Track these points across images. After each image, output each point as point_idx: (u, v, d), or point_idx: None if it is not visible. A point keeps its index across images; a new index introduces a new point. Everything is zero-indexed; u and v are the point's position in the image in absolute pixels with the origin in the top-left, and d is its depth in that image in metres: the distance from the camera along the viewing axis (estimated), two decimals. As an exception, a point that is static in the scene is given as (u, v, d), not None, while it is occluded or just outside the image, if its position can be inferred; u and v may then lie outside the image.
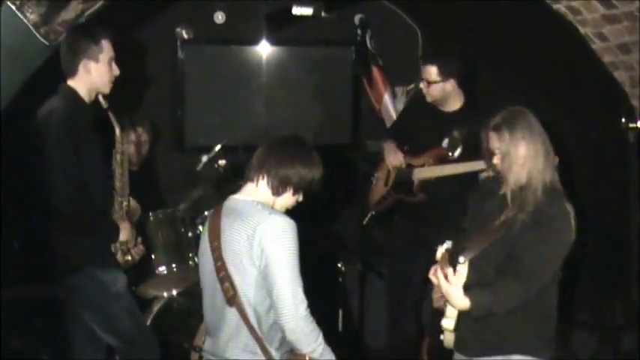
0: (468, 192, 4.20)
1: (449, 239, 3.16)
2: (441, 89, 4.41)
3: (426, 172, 4.48)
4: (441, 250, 2.94)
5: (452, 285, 2.79)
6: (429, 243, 4.46)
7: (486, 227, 2.99)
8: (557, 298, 3.04)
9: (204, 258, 2.99)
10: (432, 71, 4.38)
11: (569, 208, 2.95)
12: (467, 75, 4.51)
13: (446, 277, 2.81)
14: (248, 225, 2.80)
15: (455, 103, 4.48)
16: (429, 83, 4.40)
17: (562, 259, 2.94)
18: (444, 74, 4.38)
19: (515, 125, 2.95)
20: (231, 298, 2.82)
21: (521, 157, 2.93)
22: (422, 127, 4.59)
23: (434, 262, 2.98)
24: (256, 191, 2.94)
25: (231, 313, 2.85)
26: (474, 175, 4.12)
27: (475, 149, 3.99)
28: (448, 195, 4.36)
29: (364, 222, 4.82)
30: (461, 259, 2.79)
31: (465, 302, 2.80)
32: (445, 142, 4.43)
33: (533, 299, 2.89)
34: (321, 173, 2.98)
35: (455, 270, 2.80)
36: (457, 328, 2.93)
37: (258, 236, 2.76)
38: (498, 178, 3.09)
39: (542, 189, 2.92)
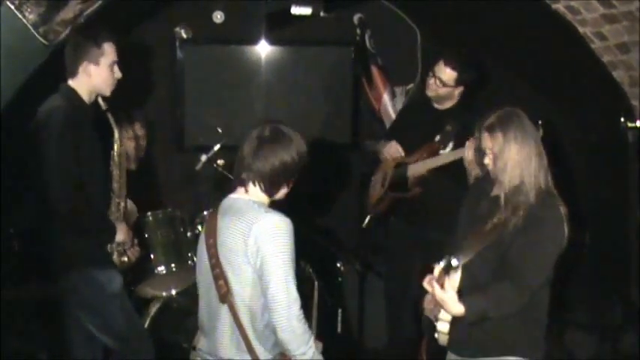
0: (461, 185, 4.18)
1: (444, 240, 3.12)
2: (450, 92, 4.47)
3: (419, 167, 4.51)
4: (438, 268, 2.80)
5: (446, 292, 2.72)
6: (425, 242, 4.49)
7: (479, 230, 2.94)
8: (548, 299, 3.01)
9: (201, 257, 2.97)
10: (451, 76, 4.41)
11: (563, 210, 2.92)
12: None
13: (442, 286, 2.73)
14: (244, 223, 2.78)
15: (450, 101, 4.54)
16: (442, 83, 4.42)
17: (553, 262, 2.92)
18: (460, 81, 4.44)
19: (509, 126, 2.91)
20: (224, 295, 2.80)
21: (514, 159, 2.89)
22: (417, 125, 4.63)
23: (430, 261, 2.93)
24: (249, 194, 2.91)
25: (225, 311, 2.83)
26: (465, 169, 4.14)
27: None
28: (442, 190, 4.41)
29: (363, 225, 4.83)
30: (454, 262, 2.72)
31: (459, 308, 2.75)
32: (438, 137, 4.47)
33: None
34: (303, 147, 2.89)
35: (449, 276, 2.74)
36: (451, 330, 2.89)
37: (254, 235, 2.74)
38: (490, 180, 3.06)
39: (535, 191, 2.89)
